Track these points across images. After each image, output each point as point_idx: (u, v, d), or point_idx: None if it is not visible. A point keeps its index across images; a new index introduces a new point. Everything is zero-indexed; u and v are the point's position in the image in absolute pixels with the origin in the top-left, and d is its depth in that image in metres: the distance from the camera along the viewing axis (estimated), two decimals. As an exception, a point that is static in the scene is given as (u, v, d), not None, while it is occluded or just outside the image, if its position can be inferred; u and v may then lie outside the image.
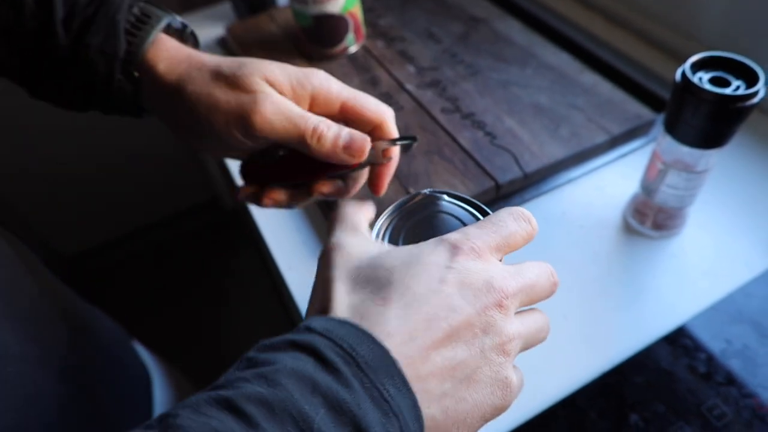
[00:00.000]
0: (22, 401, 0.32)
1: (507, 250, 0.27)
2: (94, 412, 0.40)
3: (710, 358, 0.40)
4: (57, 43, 0.33)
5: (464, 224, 0.31)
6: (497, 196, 0.51)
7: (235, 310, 1.47)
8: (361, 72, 0.66)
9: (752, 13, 0.56)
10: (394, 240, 0.31)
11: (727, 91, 0.37)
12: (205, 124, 0.33)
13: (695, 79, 0.38)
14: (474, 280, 0.24)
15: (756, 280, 0.44)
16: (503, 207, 0.51)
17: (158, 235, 1.64)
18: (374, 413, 0.19)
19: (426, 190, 0.33)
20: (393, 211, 0.32)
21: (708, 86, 0.38)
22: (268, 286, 1.40)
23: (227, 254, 1.59)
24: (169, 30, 0.35)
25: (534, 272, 0.27)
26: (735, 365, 0.39)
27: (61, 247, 1.51)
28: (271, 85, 0.33)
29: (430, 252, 0.25)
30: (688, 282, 0.45)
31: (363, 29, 0.70)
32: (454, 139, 0.55)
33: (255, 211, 0.57)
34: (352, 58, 0.69)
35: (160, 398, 0.53)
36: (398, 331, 0.22)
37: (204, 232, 1.65)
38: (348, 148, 0.32)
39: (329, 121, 0.32)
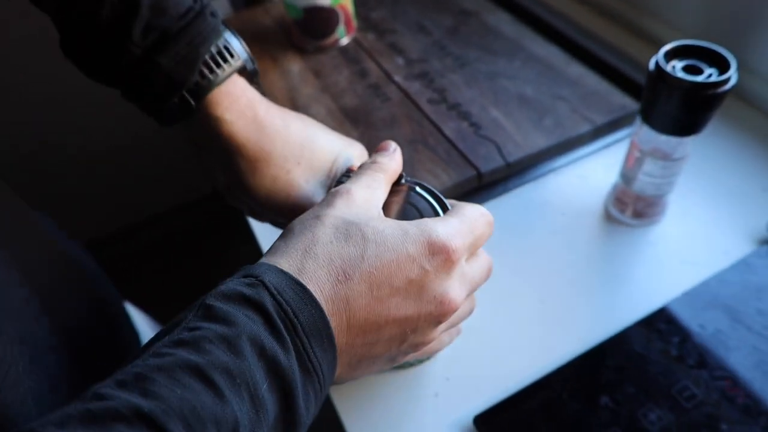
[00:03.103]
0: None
1: (474, 251, 0.30)
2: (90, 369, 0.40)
3: (683, 342, 0.40)
4: (128, 46, 0.30)
5: (423, 217, 0.32)
6: (480, 185, 0.52)
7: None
8: (350, 64, 0.67)
9: (734, 4, 0.56)
10: None
11: (700, 78, 0.38)
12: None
13: (668, 67, 0.39)
14: (434, 287, 0.27)
15: (732, 267, 0.44)
16: (486, 195, 0.52)
17: (160, 227, 1.66)
18: (300, 374, 0.22)
19: (404, 179, 0.34)
20: None
21: (681, 74, 0.38)
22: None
23: (228, 246, 1.60)
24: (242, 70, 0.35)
25: (480, 274, 0.30)
26: (707, 349, 0.40)
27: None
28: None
29: (413, 241, 0.26)
30: (665, 269, 0.46)
31: (354, 22, 0.71)
32: (439, 129, 0.56)
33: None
34: (343, 50, 0.70)
35: None
36: (341, 309, 0.24)
37: (205, 225, 1.67)
38: None
39: None
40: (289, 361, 0.22)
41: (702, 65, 0.39)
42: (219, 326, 0.21)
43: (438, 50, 0.67)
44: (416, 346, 0.29)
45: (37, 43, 1.16)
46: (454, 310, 0.28)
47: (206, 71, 0.32)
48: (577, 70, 0.61)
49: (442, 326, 0.29)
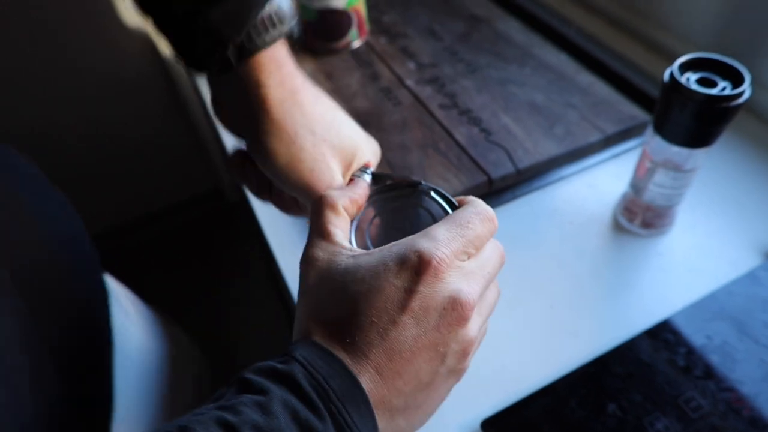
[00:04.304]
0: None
1: (472, 252, 0.28)
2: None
3: (690, 353, 0.40)
4: None
5: (435, 221, 0.32)
6: (490, 191, 0.52)
7: (235, 302, 1.48)
8: (362, 67, 0.67)
9: (746, 17, 0.56)
10: (362, 226, 0.33)
11: (714, 91, 0.38)
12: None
13: (683, 79, 0.39)
14: (437, 302, 0.25)
15: (739, 279, 0.45)
16: (496, 202, 0.53)
17: (159, 225, 1.66)
18: None
19: (420, 183, 0.34)
20: (374, 194, 0.34)
21: (695, 86, 0.39)
22: (269, 275, 1.41)
23: (228, 245, 1.61)
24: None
25: (492, 263, 0.29)
26: (714, 360, 0.40)
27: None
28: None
29: (395, 273, 0.25)
30: (673, 279, 0.46)
31: (366, 25, 0.71)
32: (450, 134, 0.56)
33: (255, 201, 0.58)
34: (355, 53, 0.70)
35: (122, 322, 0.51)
36: (364, 366, 0.25)
37: (206, 223, 1.67)
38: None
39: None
40: (324, 424, 0.22)
41: (716, 78, 0.40)
42: (253, 395, 0.23)
43: (449, 55, 0.67)
44: (463, 353, 0.27)
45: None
46: (473, 307, 0.26)
47: (253, 34, 0.30)
48: (587, 79, 0.62)
49: (474, 322, 0.27)
